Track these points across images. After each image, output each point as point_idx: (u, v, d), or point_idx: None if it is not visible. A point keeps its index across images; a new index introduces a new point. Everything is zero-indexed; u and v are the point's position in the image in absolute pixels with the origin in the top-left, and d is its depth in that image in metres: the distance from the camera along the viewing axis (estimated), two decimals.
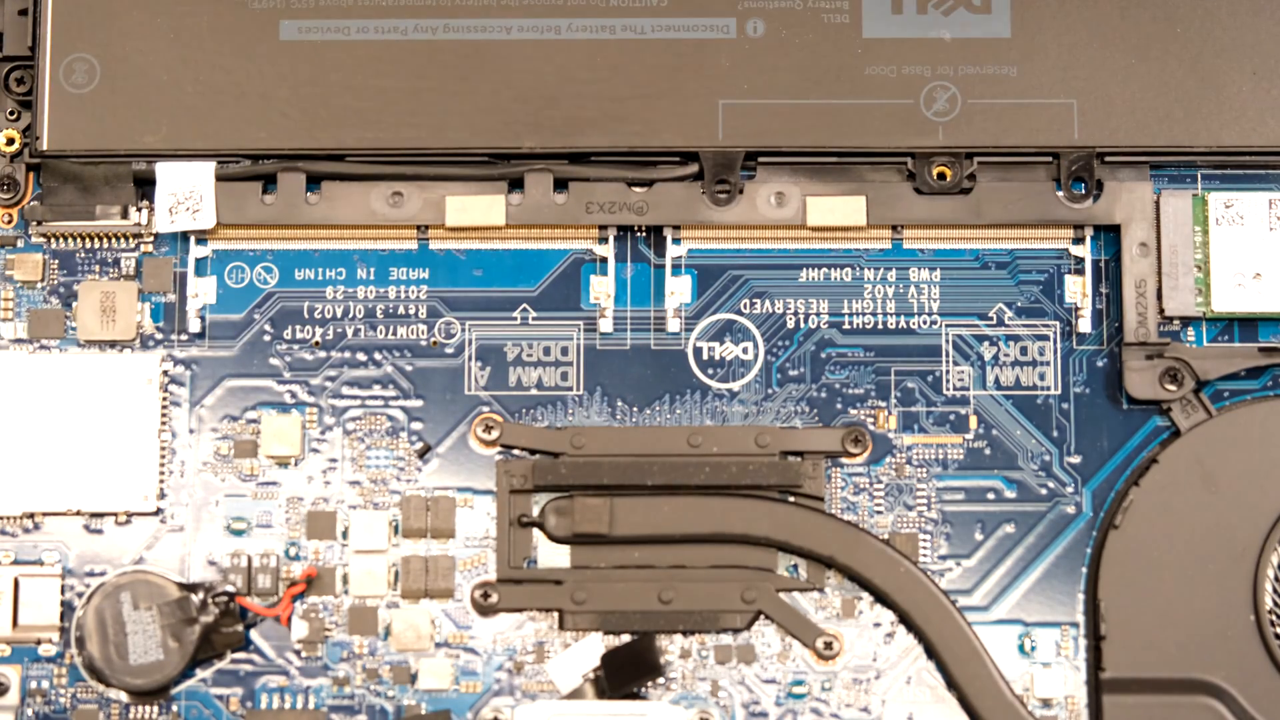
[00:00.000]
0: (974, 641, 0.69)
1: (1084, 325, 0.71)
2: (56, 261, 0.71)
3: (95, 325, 0.71)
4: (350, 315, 0.71)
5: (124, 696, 0.69)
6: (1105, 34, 0.71)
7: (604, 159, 0.71)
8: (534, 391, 0.71)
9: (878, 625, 0.70)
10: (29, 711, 0.69)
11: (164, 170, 0.70)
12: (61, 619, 0.69)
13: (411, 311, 0.71)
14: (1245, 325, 0.71)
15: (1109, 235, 0.72)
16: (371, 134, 0.70)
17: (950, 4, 0.71)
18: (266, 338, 0.71)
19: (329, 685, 0.69)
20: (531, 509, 0.70)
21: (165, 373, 0.70)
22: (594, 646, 0.69)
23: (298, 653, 0.69)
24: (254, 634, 0.69)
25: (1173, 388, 0.70)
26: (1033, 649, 0.69)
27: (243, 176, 0.70)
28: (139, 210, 0.71)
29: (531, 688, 0.69)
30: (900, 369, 0.71)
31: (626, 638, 0.69)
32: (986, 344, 0.71)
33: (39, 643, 0.69)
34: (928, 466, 0.70)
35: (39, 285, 0.71)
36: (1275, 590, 0.69)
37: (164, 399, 0.70)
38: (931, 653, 0.69)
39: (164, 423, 0.70)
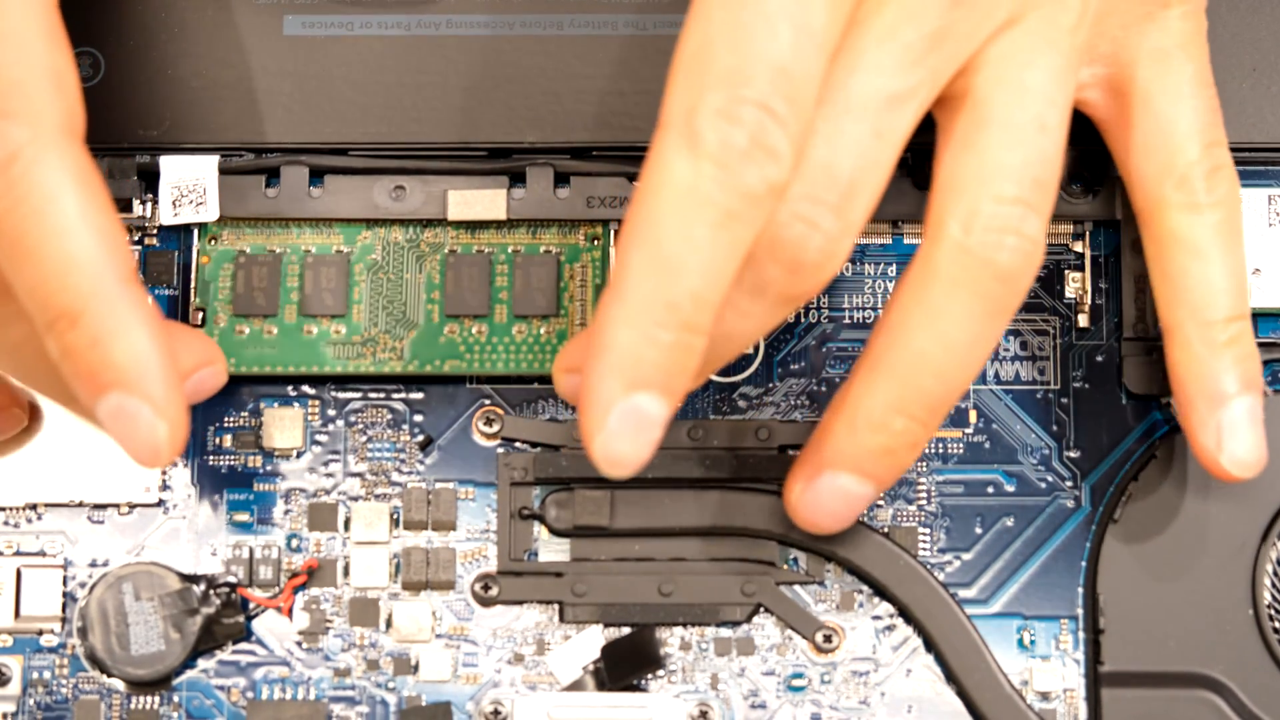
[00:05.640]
0: (973, 635, 0.69)
1: (1084, 320, 0.71)
2: None
3: None
4: None
5: (125, 687, 0.69)
6: None
7: (605, 154, 0.71)
8: (535, 385, 0.71)
9: (877, 618, 0.70)
10: (31, 701, 0.69)
11: (168, 163, 0.70)
12: (63, 609, 0.70)
13: None
14: None
15: (1109, 231, 0.72)
16: (374, 128, 0.70)
17: None
18: None
19: (330, 676, 0.69)
20: (532, 501, 0.70)
21: None
22: (594, 639, 0.69)
23: (299, 644, 0.70)
24: (255, 625, 0.70)
25: None
26: (1031, 642, 0.70)
27: (246, 170, 0.71)
28: (143, 203, 0.71)
29: (532, 679, 0.69)
30: None
31: (626, 630, 0.69)
32: None
33: (41, 633, 0.70)
34: (927, 460, 0.71)
35: None
36: (1273, 585, 0.69)
37: None
38: (930, 645, 0.69)
39: None
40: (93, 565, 0.70)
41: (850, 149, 0.59)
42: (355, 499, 0.70)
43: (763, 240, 0.57)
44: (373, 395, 0.71)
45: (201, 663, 0.69)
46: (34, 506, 0.70)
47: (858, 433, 0.62)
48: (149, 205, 0.71)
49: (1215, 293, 0.64)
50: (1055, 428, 0.71)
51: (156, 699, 0.69)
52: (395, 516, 0.70)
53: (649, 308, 0.55)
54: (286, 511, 0.70)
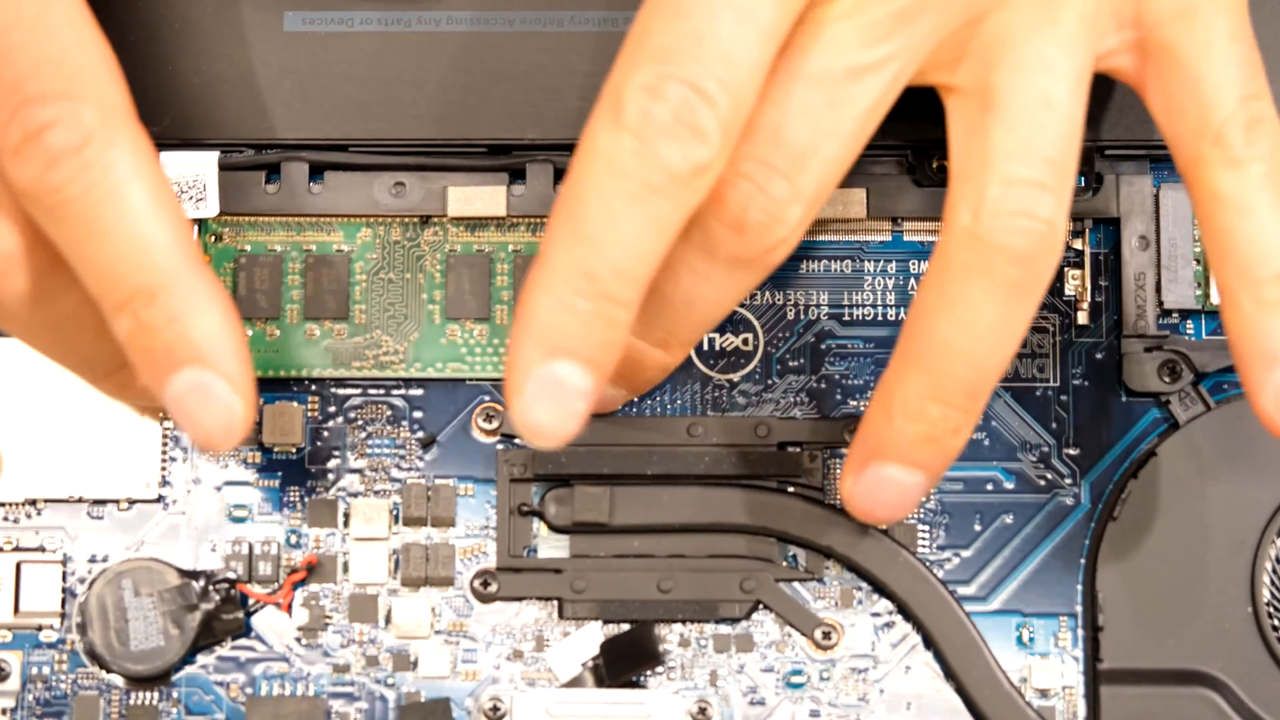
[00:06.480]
0: (972, 632, 0.69)
1: (1083, 318, 0.72)
2: None
3: None
4: None
5: (124, 682, 0.69)
6: None
7: None
8: None
9: (876, 615, 0.70)
10: (30, 697, 0.69)
11: (168, 159, 0.70)
12: (63, 605, 0.70)
13: None
14: None
15: (1108, 229, 0.72)
16: (374, 124, 0.70)
17: None
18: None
19: (329, 672, 0.69)
20: (532, 498, 0.70)
21: None
22: (593, 635, 0.70)
23: (298, 640, 0.70)
24: (255, 621, 0.70)
25: (1171, 380, 0.70)
26: (1030, 639, 0.70)
27: (246, 166, 0.71)
28: None
29: (530, 676, 0.70)
30: None
31: (625, 626, 0.69)
32: None
33: (40, 629, 0.70)
34: None
35: None
36: (1273, 583, 0.69)
37: None
38: (929, 643, 0.69)
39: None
40: (92, 561, 0.70)
41: (801, 115, 0.58)
42: (355, 495, 0.70)
43: (708, 197, 0.57)
44: (372, 391, 0.71)
45: (201, 658, 0.69)
46: (33, 502, 0.70)
47: (894, 422, 0.62)
48: None
49: (1263, 249, 0.61)
50: (1054, 425, 0.71)
51: (155, 695, 0.69)
52: (395, 513, 0.70)
53: (567, 277, 0.56)
54: (286, 507, 0.70)
